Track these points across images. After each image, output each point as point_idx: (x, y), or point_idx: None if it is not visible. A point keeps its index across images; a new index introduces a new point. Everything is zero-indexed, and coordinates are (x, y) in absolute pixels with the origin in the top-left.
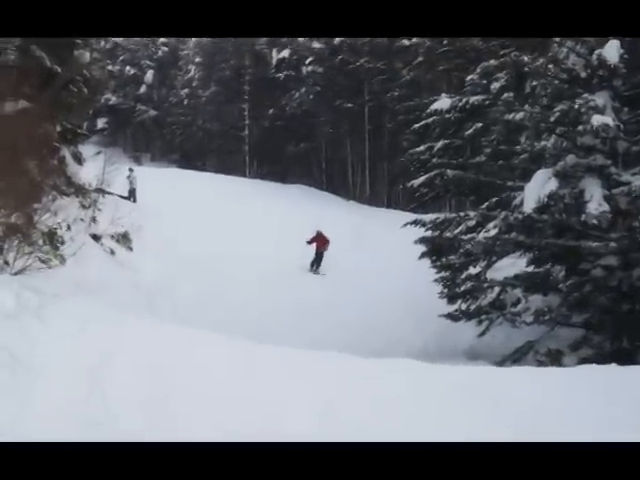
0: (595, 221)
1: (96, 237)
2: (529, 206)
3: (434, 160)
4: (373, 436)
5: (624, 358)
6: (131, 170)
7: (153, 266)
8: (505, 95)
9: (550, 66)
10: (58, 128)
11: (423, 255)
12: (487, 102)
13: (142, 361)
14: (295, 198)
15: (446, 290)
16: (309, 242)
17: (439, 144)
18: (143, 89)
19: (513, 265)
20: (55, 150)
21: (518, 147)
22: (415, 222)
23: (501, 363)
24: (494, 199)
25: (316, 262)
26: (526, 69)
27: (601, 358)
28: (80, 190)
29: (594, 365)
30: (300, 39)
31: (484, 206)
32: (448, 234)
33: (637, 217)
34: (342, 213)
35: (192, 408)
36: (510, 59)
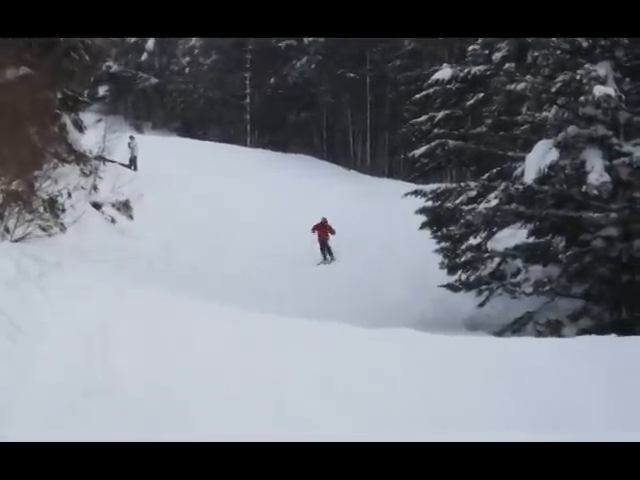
0: (596, 192)
1: (97, 205)
2: (530, 177)
3: (435, 130)
4: (371, 406)
5: (623, 329)
6: (132, 138)
7: (153, 234)
8: (507, 65)
9: None
10: (59, 95)
11: (424, 225)
12: (488, 72)
13: (142, 329)
14: (296, 168)
15: (446, 261)
16: (313, 229)
17: (440, 114)
18: (144, 57)
19: (513, 236)
20: (56, 117)
21: (519, 117)
22: (416, 192)
23: (500, 333)
24: (495, 170)
25: (327, 251)
26: (528, 39)
27: (600, 329)
28: (81, 158)
29: (593, 336)
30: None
31: (485, 177)
32: (449, 204)
33: (638, 188)
34: (343, 183)
35: (191, 377)
36: None
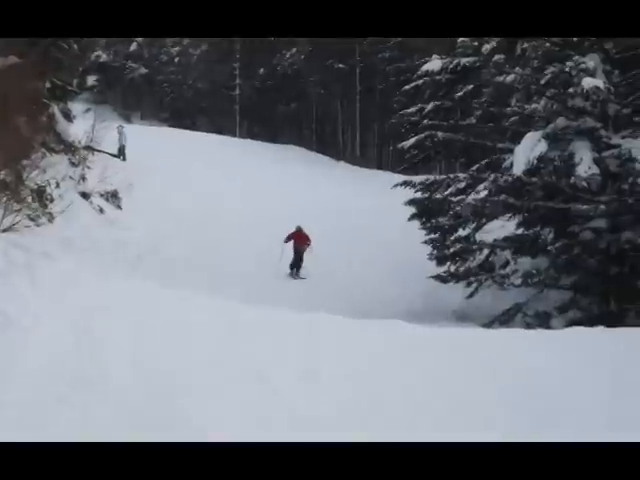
0: (584, 184)
1: (85, 195)
2: (519, 168)
3: (424, 122)
4: (359, 397)
5: (612, 320)
6: (121, 127)
7: (142, 224)
8: (496, 57)
9: None
10: (48, 85)
11: (413, 217)
12: (478, 64)
13: (131, 319)
14: (286, 159)
15: (435, 252)
16: (286, 240)
17: (429, 106)
18: (134, 47)
19: (502, 227)
20: (44, 107)
21: (508, 109)
22: (405, 183)
23: (489, 325)
24: (484, 161)
25: (295, 264)
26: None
27: (589, 320)
28: (69, 147)
29: (582, 327)
30: None
31: (474, 168)
32: (438, 196)
33: (626, 180)
34: (332, 174)
35: (180, 366)
36: None
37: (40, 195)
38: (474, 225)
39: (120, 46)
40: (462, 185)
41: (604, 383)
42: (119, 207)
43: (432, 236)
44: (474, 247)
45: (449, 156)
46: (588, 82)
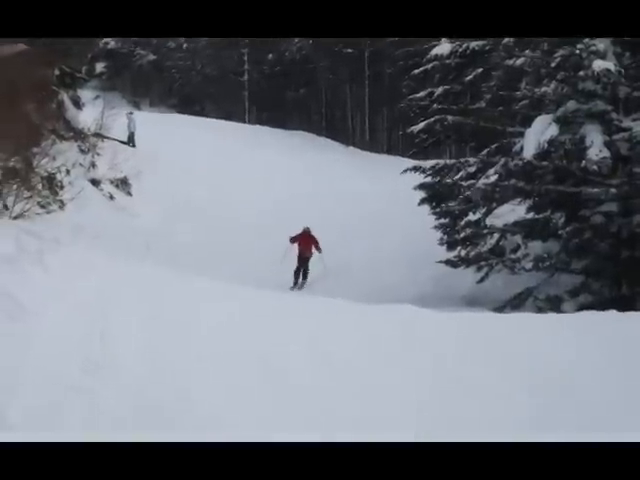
0: (595, 167)
1: (95, 182)
2: (529, 152)
3: (434, 106)
4: (367, 381)
5: (623, 304)
6: (130, 114)
7: (152, 211)
8: (505, 40)
9: None
10: (56, 72)
11: (423, 201)
12: (487, 47)
13: (141, 305)
14: (295, 144)
15: (445, 237)
16: (292, 240)
17: (439, 90)
18: None
19: (513, 211)
20: (53, 94)
21: (518, 93)
22: (415, 168)
23: (500, 309)
24: (494, 145)
25: (302, 274)
26: None
27: (600, 304)
28: (79, 134)
29: (593, 311)
30: None
31: (484, 152)
32: (448, 180)
33: (637, 163)
34: (341, 159)
35: (192, 354)
36: None
37: (50, 182)
38: (484, 209)
39: None
40: (472, 169)
41: (616, 367)
42: (129, 194)
43: (442, 221)
44: (484, 232)
45: (459, 140)
46: (599, 65)
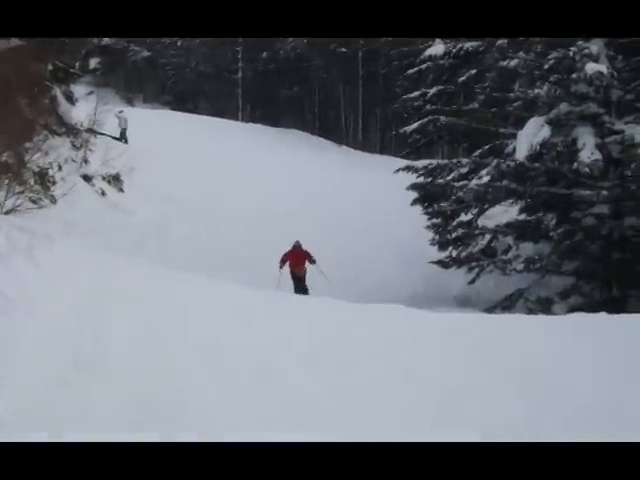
0: (587, 169)
1: (87, 178)
2: (521, 154)
3: (427, 106)
4: (358, 380)
5: (614, 306)
6: (119, 112)
7: (144, 208)
8: (499, 42)
9: None
10: (50, 67)
11: (415, 201)
12: (481, 49)
13: (133, 302)
14: (288, 143)
15: (437, 237)
16: (281, 265)
17: (433, 90)
18: None
19: (505, 213)
20: (47, 89)
21: (511, 94)
22: (407, 168)
23: (491, 310)
24: (487, 146)
25: (303, 293)
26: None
27: (591, 306)
28: (72, 130)
29: (584, 313)
30: None
31: (477, 153)
32: (440, 181)
33: (629, 166)
34: (334, 158)
35: (181, 349)
36: None
37: (42, 178)
38: (476, 210)
39: None
40: (465, 170)
41: (605, 369)
42: (121, 190)
43: (434, 221)
44: (476, 232)
45: (452, 141)
46: (591, 67)
